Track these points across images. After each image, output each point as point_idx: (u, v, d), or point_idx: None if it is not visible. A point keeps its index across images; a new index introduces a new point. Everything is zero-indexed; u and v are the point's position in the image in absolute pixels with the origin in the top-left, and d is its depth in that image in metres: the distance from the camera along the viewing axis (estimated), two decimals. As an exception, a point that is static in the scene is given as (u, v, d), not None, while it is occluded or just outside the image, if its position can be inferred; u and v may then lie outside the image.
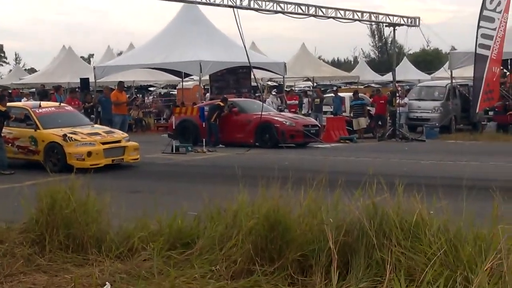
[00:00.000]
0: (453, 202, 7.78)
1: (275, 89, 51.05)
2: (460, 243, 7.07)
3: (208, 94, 41.02)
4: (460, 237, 7.21)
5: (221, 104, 28.96)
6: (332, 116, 34.46)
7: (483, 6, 31.17)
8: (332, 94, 38.03)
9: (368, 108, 34.07)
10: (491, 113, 34.08)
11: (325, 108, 35.65)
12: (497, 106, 33.23)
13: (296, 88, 58.86)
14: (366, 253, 7.47)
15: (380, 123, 33.72)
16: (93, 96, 36.24)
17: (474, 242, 7.05)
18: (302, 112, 36.30)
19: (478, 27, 31.07)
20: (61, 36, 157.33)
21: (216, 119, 28.37)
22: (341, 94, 37.83)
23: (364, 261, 7.43)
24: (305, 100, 40.11)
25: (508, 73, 37.11)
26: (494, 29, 30.79)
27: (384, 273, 6.94)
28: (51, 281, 8.15)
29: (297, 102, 41.78)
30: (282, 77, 42.85)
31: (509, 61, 35.09)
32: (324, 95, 38.62)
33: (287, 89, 46.38)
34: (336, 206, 8.19)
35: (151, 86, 65.55)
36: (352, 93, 35.64)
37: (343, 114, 35.30)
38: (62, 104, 24.34)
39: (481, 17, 31.12)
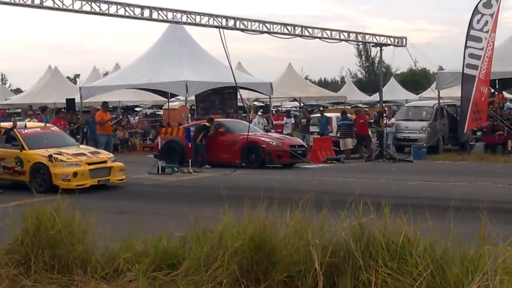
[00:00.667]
0: (440, 223, 7.77)
1: (261, 109, 51.14)
2: (447, 264, 7.05)
3: (189, 115, 41.05)
4: (447, 258, 7.20)
5: (207, 124, 28.96)
6: (319, 136, 34.46)
7: (470, 26, 31.28)
8: (319, 114, 38.08)
9: (355, 128, 34.09)
10: (479, 133, 34.16)
11: (311, 129, 35.68)
12: (485, 126, 33.30)
13: (282, 108, 58.92)
14: (352, 274, 7.44)
15: (363, 143, 33.77)
16: (78, 116, 36.23)
17: (461, 263, 7.04)
18: (285, 133, 36.23)
19: (466, 47, 31.17)
20: (47, 56, 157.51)
21: (202, 140, 28.34)
22: (328, 114, 37.88)
23: (351, 282, 7.40)
24: (289, 120, 40.14)
25: (496, 93, 37.22)
26: (482, 49, 30.88)
27: (371, 294, 6.91)
28: (36, 303, 8.08)
29: (283, 122, 41.80)
30: (268, 97, 42.92)
31: (497, 81, 35.17)
32: (311, 115, 38.66)
33: (273, 110, 46.47)
34: (322, 227, 8.16)
35: (137, 106, 65.53)
36: (340, 113, 35.66)
37: (330, 134, 35.33)
38: (47, 124, 24.30)
39: (468, 37, 31.23)
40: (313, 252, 7.27)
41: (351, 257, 7.54)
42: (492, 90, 36.25)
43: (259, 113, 46.10)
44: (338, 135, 33.86)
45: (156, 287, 8.13)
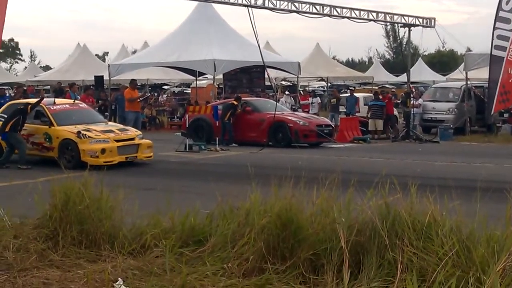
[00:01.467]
0: (466, 204, 7.77)
1: (288, 89, 51.07)
2: (472, 244, 7.06)
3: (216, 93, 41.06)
4: (473, 238, 7.20)
5: (235, 103, 28.99)
6: (345, 116, 34.43)
7: (499, 7, 30.98)
8: (348, 94, 37.95)
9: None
10: (506, 115, 33.96)
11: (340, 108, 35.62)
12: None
13: (310, 88, 58.81)
14: (378, 253, 7.46)
15: (389, 124, 33.66)
16: (106, 94, 36.36)
17: (487, 243, 7.04)
18: (312, 112, 36.20)
19: (494, 28, 30.88)
20: (76, 34, 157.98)
21: (229, 118, 28.40)
22: (356, 95, 37.77)
23: (376, 261, 7.42)
24: (315, 100, 40.05)
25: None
26: (510, 30, 30.58)
27: (396, 273, 6.93)
28: (64, 276, 8.17)
29: (309, 101, 41.76)
30: (296, 77, 42.85)
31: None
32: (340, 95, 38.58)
33: (300, 89, 46.39)
34: (348, 206, 8.19)
35: (165, 84, 65.69)
36: (371, 93, 35.53)
37: (357, 114, 35.27)
38: (76, 101, 24.45)
39: (497, 18, 30.94)
40: (339, 230, 7.30)
41: (377, 236, 7.55)
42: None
43: (286, 92, 46.05)
44: (369, 115, 33.73)
45: (183, 263, 8.19)
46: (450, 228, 7.28)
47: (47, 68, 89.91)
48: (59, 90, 39.05)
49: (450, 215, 7.54)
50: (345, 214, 8.03)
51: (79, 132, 20.58)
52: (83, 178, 9.77)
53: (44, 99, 23.49)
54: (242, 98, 30.10)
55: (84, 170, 10.29)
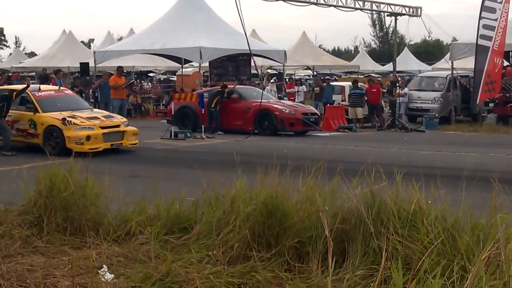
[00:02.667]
0: (451, 192, 7.79)
1: (274, 77, 51.05)
2: (457, 233, 7.07)
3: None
4: (458, 226, 7.22)
5: (221, 90, 28.99)
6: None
7: (485, -4, 31.10)
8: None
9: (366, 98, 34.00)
10: (491, 104, 34.08)
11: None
12: (497, 98, 33.21)
13: (296, 77, 58.81)
14: (363, 241, 7.48)
15: (375, 112, 33.73)
16: (82, 81, 36.30)
17: (472, 231, 7.06)
18: (297, 100, 36.25)
19: (480, 17, 30.98)
20: (61, 21, 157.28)
21: (216, 105, 28.38)
22: (341, 83, 37.81)
23: (361, 249, 7.44)
24: (301, 88, 40.05)
25: (509, 64, 37.04)
26: (496, 20, 30.70)
27: (381, 261, 6.94)
28: (49, 263, 8.14)
29: (295, 90, 41.76)
30: (282, 65, 42.82)
31: (510, 53, 34.98)
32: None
33: (286, 78, 46.41)
34: (333, 194, 8.19)
35: (151, 71, 65.59)
36: (351, 82, 35.60)
37: (342, 103, 35.30)
38: (61, 87, 24.37)
39: (483, 8, 31.03)
40: (323, 218, 7.29)
41: (362, 224, 7.57)
42: (506, 63, 36.08)
43: (271, 80, 46.04)
44: (349, 103, 33.83)
45: (168, 250, 8.17)
46: (435, 217, 7.30)
47: (32, 54, 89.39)
48: (44, 76, 38.94)
49: (436, 204, 7.56)
50: (330, 202, 8.04)
51: (64, 119, 20.51)
52: (68, 164, 9.73)
53: (30, 86, 23.34)
54: (228, 86, 30.07)
55: (69, 157, 10.26)
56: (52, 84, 27.24)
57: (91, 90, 35.48)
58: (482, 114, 33.93)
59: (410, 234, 7.19)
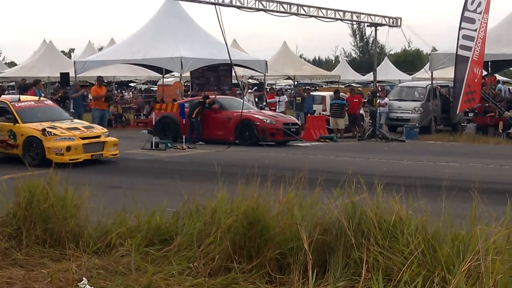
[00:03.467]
0: (432, 203, 7.80)
1: (255, 87, 51.09)
2: (438, 243, 7.08)
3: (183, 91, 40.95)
4: (438, 237, 7.22)
5: (202, 100, 28.98)
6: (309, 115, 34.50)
7: (465, 7, 31.26)
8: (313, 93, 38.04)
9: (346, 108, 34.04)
10: (470, 114, 34.22)
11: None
12: (476, 108, 33.40)
13: (277, 87, 58.90)
14: (344, 252, 7.47)
15: (355, 123, 33.82)
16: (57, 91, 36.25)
17: (452, 242, 7.06)
18: (278, 110, 36.29)
19: (460, 28, 31.12)
20: (41, 31, 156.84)
21: (197, 116, 28.35)
22: (321, 93, 37.86)
23: (342, 260, 7.43)
24: (282, 98, 40.11)
25: (488, 74, 37.22)
26: (475, 30, 30.87)
27: (362, 272, 6.94)
28: (28, 276, 8.09)
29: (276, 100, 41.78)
30: (263, 75, 42.85)
31: (489, 63, 35.16)
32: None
33: (267, 88, 46.46)
34: (314, 205, 8.19)
35: (131, 81, 65.43)
36: (333, 92, 35.66)
37: (323, 113, 35.34)
38: (41, 98, 24.28)
39: (463, 18, 31.19)
40: (301, 231, 7.28)
41: (343, 235, 7.56)
42: (485, 72, 36.26)
43: (250, 90, 46.11)
44: (330, 113, 33.87)
45: (148, 262, 8.15)
46: (415, 227, 7.30)
47: (12, 64, 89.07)
48: (23, 86, 38.76)
49: (416, 214, 7.57)
50: (311, 213, 8.03)
51: (44, 130, 20.43)
52: (48, 176, 9.70)
53: (8, 95, 23.22)
54: (210, 96, 30.07)
55: (49, 168, 10.23)
56: (30, 95, 27.05)
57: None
58: (462, 124, 34.07)
59: (391, 245, 7.20)
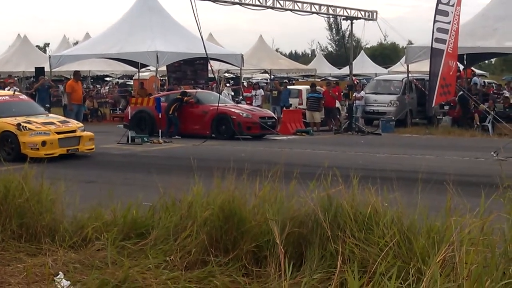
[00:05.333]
0: (407, 195, 7.84)
1: (231, 81, 51.06)
2: (413, 235, 7.11)
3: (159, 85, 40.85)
4: (414, 229, 7.26)
5: (180, 97, 28.94)
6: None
7: (439, 0, 31.34)
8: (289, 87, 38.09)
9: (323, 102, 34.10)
10: (446, 107, 34.40)
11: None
12: (452, 101, 33.55)
13: (253, 80, 58.93)
14: (320, 244, 7.48)
15: (331, 116, 33.90)
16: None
17: (427, 234, 7.09)
18: (255, 104, 36.31)
19: (434, 21, 31.20)
20: (16, 25, 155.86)
21: (174, 112, 28.31)
22: (298, 87, 37.90)
23: (318, 253, 7.44)
24: (258, 92, 40.12)
25: (463, 67, 37.42)
26: (449, 23, 30.94)
27: (337, 264, 6.95)
28: (3, 271, 8.06)
29: (253, 94, 41.81)
30: (239, 69, 42.86)
31: (465, 56, 35.34)
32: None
33: (244, 81, 46.49)
34: (291, 198, 8.20)
35: (107, 76, 65.20)
36: (309, 86, 35.72)
37: (299, 107, 35.39)
38: (16, 93, 24.14)
39: (437, 11, 31.24)
40: (272, 226, 7.27)
41: (319, 227, 7.57)
42: (460, 66, 36.43)
43: (227, 84, 46.09)
44: (306, 107, 33.93)
45: (125, 256, 8.14)
46: (391, 219, 7.33)
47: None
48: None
49: (391, 207, 7.59)
50: (287, 206, 8.04)
51: (19, 124, 20.32)
52: (23, 170, 9.67)
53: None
54: (188, 92, 30.07)
55: (24, 162, 10.19)
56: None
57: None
58: (438, 117, 34.24)
59: (366, 237, 7.22)
